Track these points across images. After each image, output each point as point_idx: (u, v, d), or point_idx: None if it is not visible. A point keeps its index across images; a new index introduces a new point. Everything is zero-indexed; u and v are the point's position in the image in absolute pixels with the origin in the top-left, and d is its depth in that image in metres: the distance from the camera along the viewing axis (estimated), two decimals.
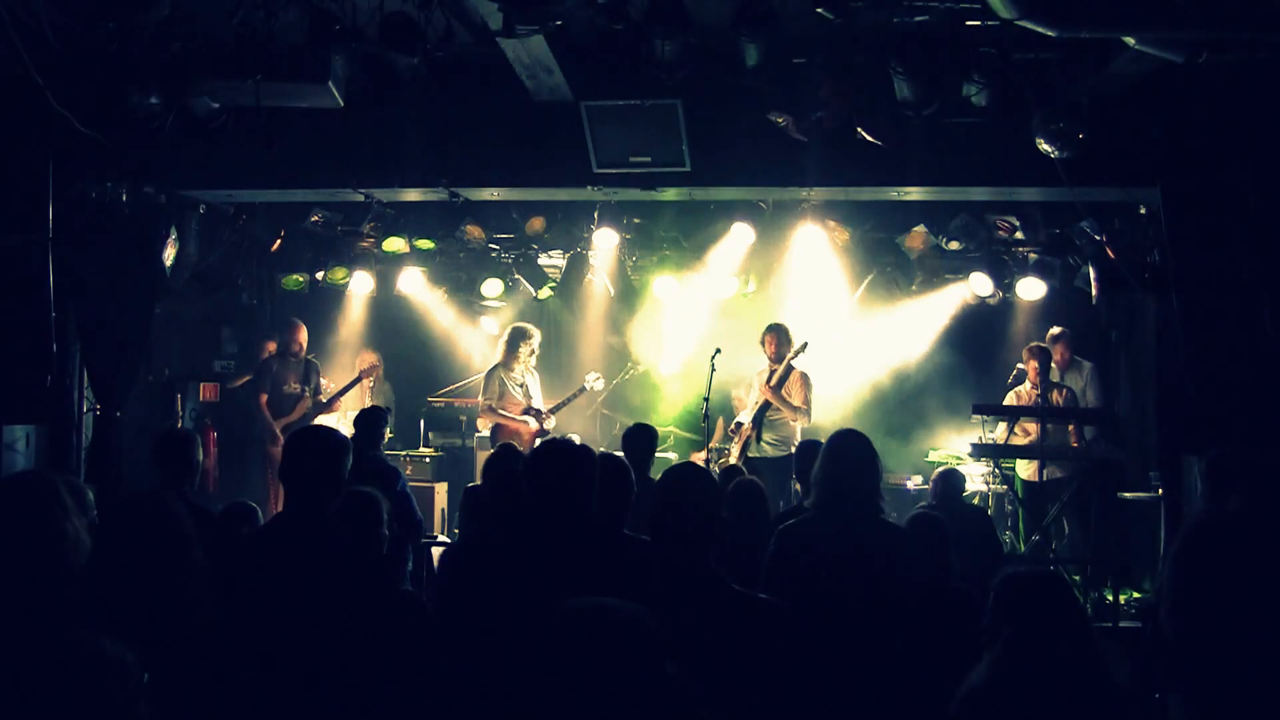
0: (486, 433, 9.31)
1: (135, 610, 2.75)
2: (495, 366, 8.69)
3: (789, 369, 8.26)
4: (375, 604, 3.20)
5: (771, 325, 8.43)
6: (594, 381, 9.25)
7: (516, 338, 8.72)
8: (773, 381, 8.20)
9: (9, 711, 1.72)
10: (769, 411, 8.25)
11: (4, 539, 2.99)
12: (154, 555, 2.94)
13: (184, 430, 4.74)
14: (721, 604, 3.13)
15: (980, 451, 7.93)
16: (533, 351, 8.79)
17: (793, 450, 8.10)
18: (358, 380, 9.43)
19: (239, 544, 3.67)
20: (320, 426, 7.31)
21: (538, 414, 8.59)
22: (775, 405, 8.22)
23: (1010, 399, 8.48)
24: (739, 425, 8.42)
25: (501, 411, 8.55)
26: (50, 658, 1.77)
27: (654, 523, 3.26)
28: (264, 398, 8.92)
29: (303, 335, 9.22)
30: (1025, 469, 8.34)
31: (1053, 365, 8.50)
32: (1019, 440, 8.31)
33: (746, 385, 8.68)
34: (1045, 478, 8.13)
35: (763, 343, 8.38)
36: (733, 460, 8.14)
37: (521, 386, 8.65)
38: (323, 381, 9.41)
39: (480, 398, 8.74)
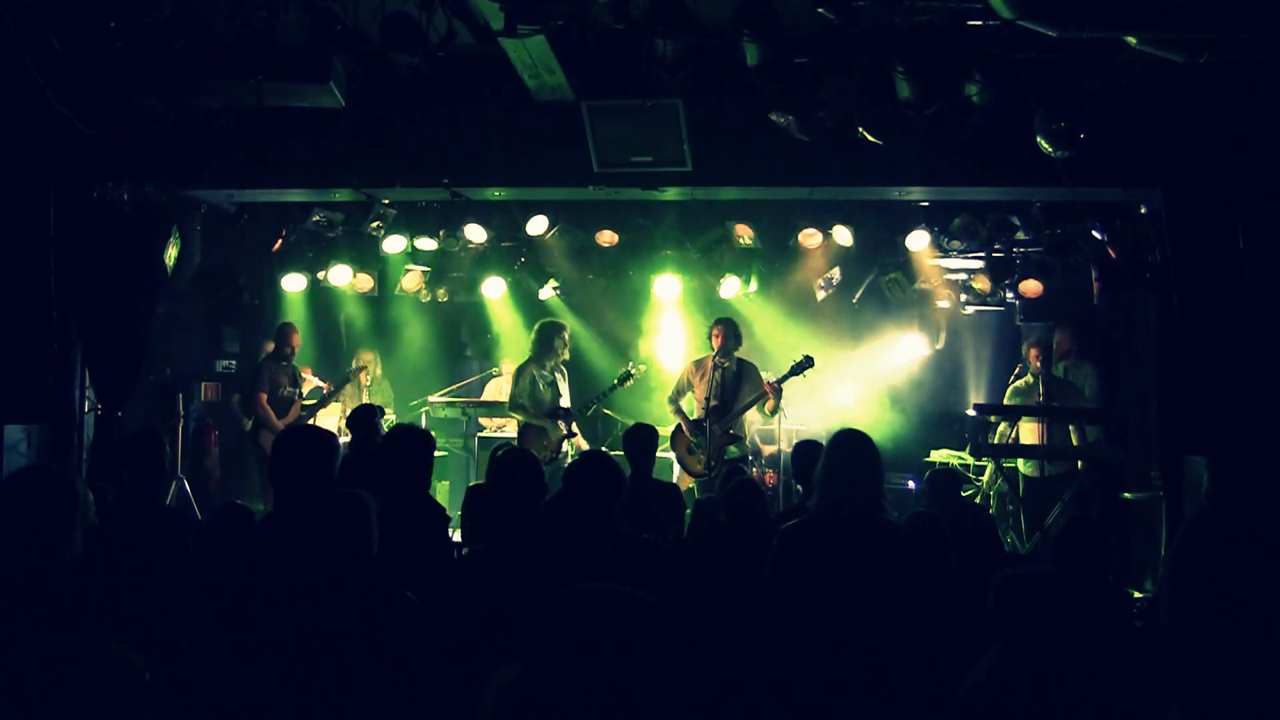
0: (493, 431, 9.26)
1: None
2: (527, 362, 8.30)
3: (741, 363, 8.14)
4: (366, 604, 3.20)
5: (723, 318, 8.18)
6: (637, 369, 8.95)
7: (549, 332, 8.31)
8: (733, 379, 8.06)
9: (18, 709, 1.72)
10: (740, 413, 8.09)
11: (19, 531, 2.99)
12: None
13: (150, 432, 4.64)
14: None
15: (980, 451, 7.93)
16: (565, 345, 8.38)
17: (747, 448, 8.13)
18: (346, 380, 9.36)
19: (230, 544, 3.67)
20: (308, 425, 7.34)
21: (566, 415, 8.36)
22: (761, 402, 8.10)
23: (1011, 390, 8.46)
24: (702, 425, 7.96)
25: (530, 410, 8.21)
26: (60, 657, 1.78)
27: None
28: (263, 396, 8.87)
29: (296, 339, 9.18)
30: (1026, 466, 8.33)
31: (1054, 357, 8.51)
32: (1022, 437, 8.29)
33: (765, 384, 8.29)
34: (1046, 474, 8.12)
35: (711, 335, 8.06)
36: (699, 468, 8.02)
37: (551, 385, 8.28)
38: (307, 384, 9.36)
39: (509, 394, 8.38)
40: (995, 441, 8.45)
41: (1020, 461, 8.36)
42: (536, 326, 8.49)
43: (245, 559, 3.48)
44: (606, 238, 8.82)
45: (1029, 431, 8.31)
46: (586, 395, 8.87)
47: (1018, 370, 8.91)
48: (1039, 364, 8.21)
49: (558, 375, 8.36)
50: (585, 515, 3.71)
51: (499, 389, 9.94)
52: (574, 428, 8.37)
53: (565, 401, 8.37)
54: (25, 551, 2.98)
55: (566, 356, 8.45)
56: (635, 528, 4.31)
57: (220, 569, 3.52)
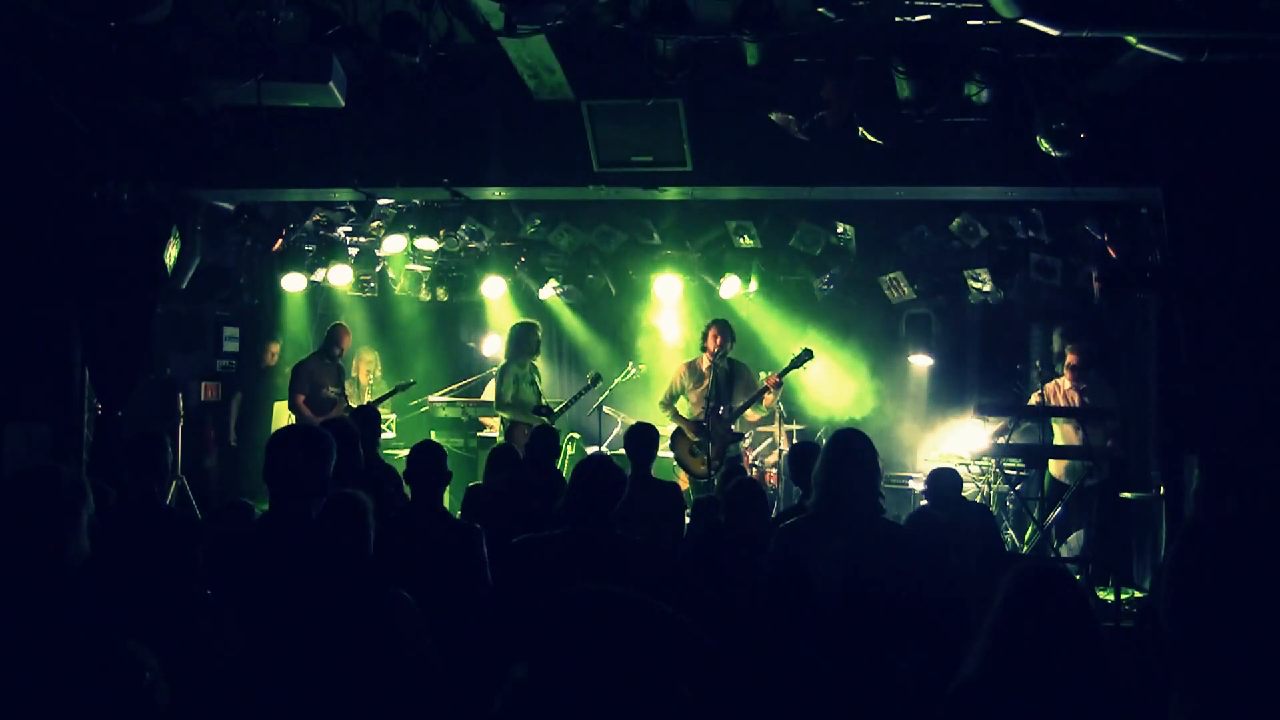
0: (495, 431, 9.28)
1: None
2: (508, 363, 8.50)
3: (732, 363, 8.16)
4: (362, 605, 3.20)
5: (717, 319, 8.24)
6: (594, 380, 9.17)
7: (524, 332, 8.57)
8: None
9: (34, 705, 1.72)
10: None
11: (29, 530, 3.00)
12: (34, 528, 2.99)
13: (151, 432, 4.67)
14: None
15: (981, 451, 7.91)
16: (539, 341, 8.66)
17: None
18: (394, 392, 9.31)
19: (225, 544, 3.68)
20: (304, 425, 7.30)
21: (549, 412, 8.46)
22: (762, 405, 8.13)
23: (1050, 390, 8.40)
24: (703, 426, 8.02)
25: (517, 409, 8.40)
26: (73, 654, 1.79)
27: None
28: (301, 398, 8.82)
29: (347, 340, 9.14)
30: (1056, 468, 8.24)
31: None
32: (1058, 440, 8.20)
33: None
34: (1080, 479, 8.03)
35: (705, 336, 8.12)
36: (701, 469, 8.03)
37: (531, 384, 8.50)
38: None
39: (495, 394, 8.59)
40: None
41: (1052, 464, 8.28)
42: (511, 328, 8.70)
43: (244, 557, 3.48)
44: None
45: (1061, 434, 8.22)
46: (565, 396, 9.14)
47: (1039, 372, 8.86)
48: (1070, 370, 8.14)
49: (535, 374, 8.58)
50: (591, 517, 3.84)
51: None
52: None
53: (542, 399, 8.59)
54: (35, 551, 2.99)
55: (539, 355, 8.70)
56: (635, 527, 4.33)
57: (219, 567, 3.52)
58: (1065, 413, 8.07)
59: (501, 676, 2.58)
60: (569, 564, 3.79)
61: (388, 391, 9.34)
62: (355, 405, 9.31)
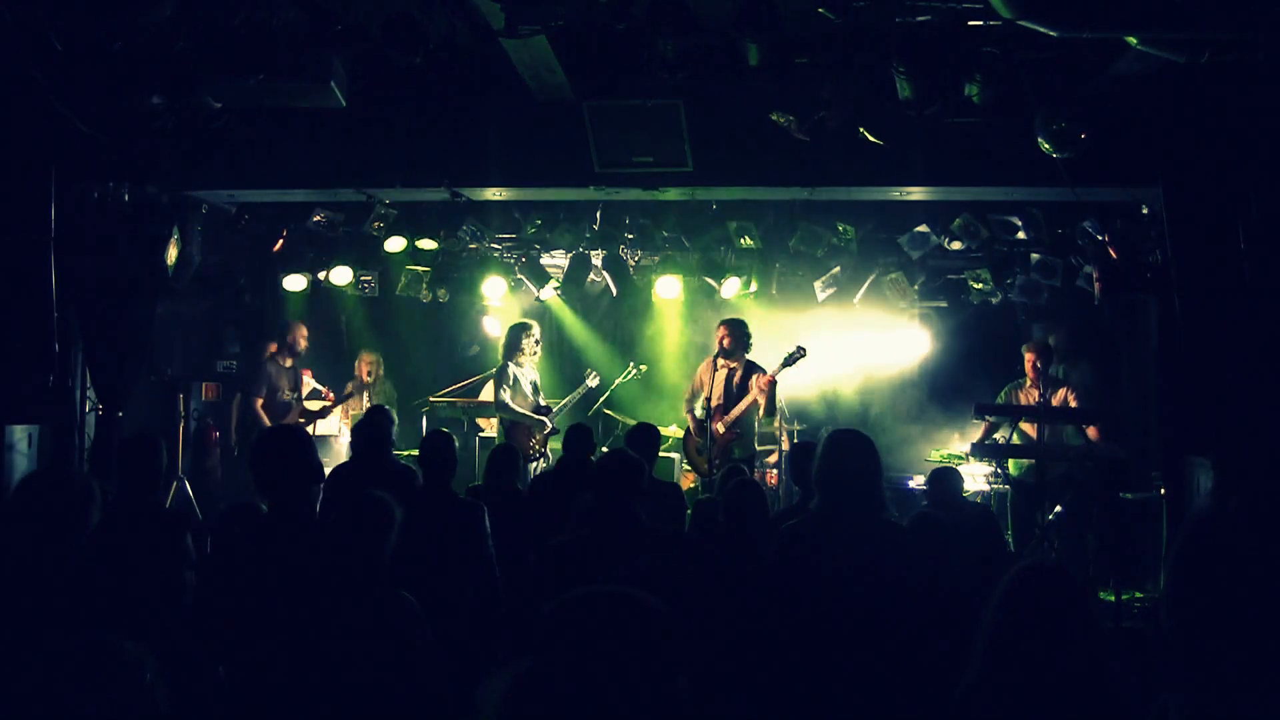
0: (494, 432, 9.29)
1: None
2: (506, 364, 8.55)
3: (748, 365, 8.14)
4: (363, 605, 3.20)
5: (728, 319, 8.22)
6: (593, 380, 9.21)
7: (520, 332, 8.62)
8: (745, 377, 8.07)
9: (38, 705, 1.73)
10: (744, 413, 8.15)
11: (39, 531, 3.01)
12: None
13: (146, 434, 4.71)
14: None
15: (980, 452, 7.91)
16: (537, 341, 8.72)
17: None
18: (349, 396, 9.33)
19: (231, 545, 3.69)
20: (282, 426, 7.25)
21: (547, 412, 8.51)
22: (756, 405, 8.11)
23: (1008, 394, 8.44)
24: (704, 426, 7.99)
25: (517, 409, 8.46)
26: (77, 653, 1.79)
27: None
28: (259, 401, 8.86)
29: (298, 334, 9.15)
30: (1015, 467, 8.28)
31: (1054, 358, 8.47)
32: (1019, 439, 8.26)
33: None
34: (1040, 478, 8.07)
35: (717, 337, 8.13)
36: (704, 468, 8.03)
37: (531, 384, 8.57)
38: (307, 388, 9.36)
39: (494, 395, 8.60)
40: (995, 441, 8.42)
41: (1010, 463, 8.33)
42: (508, 329, 8.76)
43: (249, 558, 3.49)
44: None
45: (1027, 433, 8.26)
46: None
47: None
48: (1033, 369, 8.17)
49: (532, 373, 8.65)
50: (615, 510, 3.95)
51: None
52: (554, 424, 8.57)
53: (541, 399, 8.65)
54: (41, 551, 3.00)
55: (536, 356, 8.76)
56: None
57: (226, 568, 3.53)
58: (1063, 414, 8.08)
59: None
60: (596, 559, 3.81)
61: (340, 397, 9.37)
62: (351, 406, 9.36)
